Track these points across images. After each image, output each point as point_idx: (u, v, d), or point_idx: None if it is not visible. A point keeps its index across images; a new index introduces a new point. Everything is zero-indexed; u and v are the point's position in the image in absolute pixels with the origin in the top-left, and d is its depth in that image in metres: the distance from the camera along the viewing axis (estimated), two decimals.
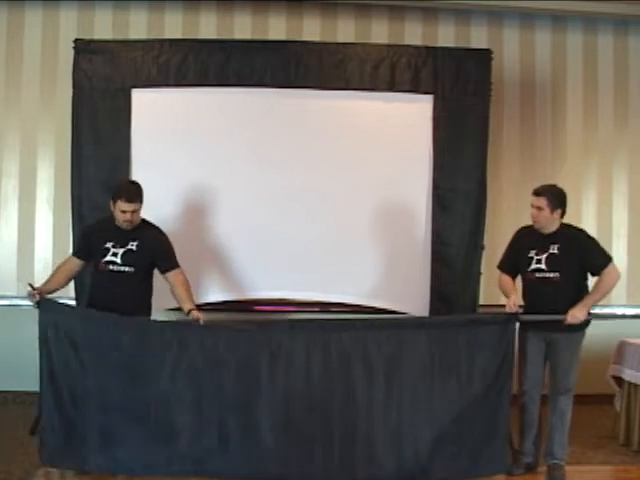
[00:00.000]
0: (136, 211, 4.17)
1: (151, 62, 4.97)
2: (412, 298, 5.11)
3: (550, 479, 4.23)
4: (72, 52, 4.98)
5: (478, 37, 5.98)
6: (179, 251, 4.38)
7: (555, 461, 4.25)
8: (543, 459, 4.33)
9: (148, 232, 4.26)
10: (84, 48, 4.98)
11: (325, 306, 5.27)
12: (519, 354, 4.34)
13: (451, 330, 4.14)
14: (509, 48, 6.02)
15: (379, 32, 5.90)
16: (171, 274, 4.23)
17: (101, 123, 4.95)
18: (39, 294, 4.02)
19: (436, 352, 4.09)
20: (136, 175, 4.89)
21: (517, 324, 4.25)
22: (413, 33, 5.92)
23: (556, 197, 4.24)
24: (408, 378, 4.07)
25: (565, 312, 4.11)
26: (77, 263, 4.31)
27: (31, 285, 4.06)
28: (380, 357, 4.07)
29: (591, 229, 6.01)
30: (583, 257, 4.20)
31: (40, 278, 4.32)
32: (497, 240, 4.53)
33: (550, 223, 4.26)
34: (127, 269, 4.17)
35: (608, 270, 4.21)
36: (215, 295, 5.07)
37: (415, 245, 5.11)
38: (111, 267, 4.17)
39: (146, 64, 4.97)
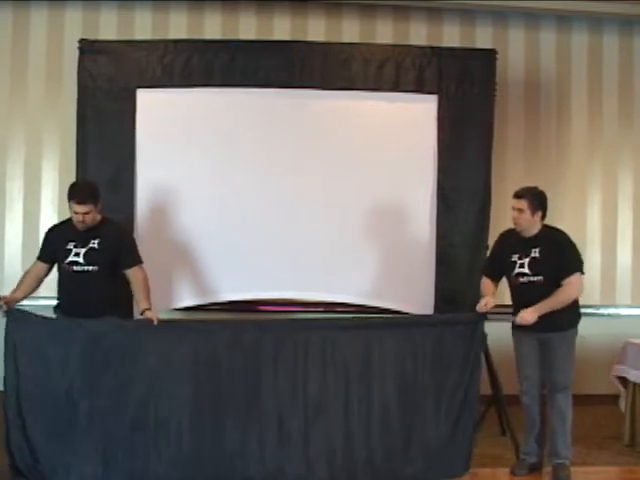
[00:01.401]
0: (89, 213, 4.07)
1: (156, 62, 4.97)
2: (416, 298, 5.10)
3: (555, 479, 4.23)
4: (77, 52, 4.98)
5: (483, 37, 5.97)
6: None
7: (560, 461, 4.24)
8: (548, 459, 4.32)
9: (109, 229, 4.19)
10: (89, 48, 4.99)
11: (329, 306, 5.27)
12: (515, 355, 4.34)
13: (418, 330, 4.14)
14: (514, 48, 6.00)
15: (384, 32, 5.89)
16: (131, 271, 4.15)
17: (106, 123, 4.95)
18: (6, 303, 3.95)
19: (404, 352, 4.08)
20: (141, 175, 4.90)
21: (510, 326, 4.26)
22: (418, 33, 5.91)
23: (536, 199, 4.23)
24: (374, 378, 4.05)
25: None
26: (42, 267, 4.21)
27: None
28: (347, 357, 4.05)
29: (596, 230, 6.07)
30: (557, 259, 4.18)
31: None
32: None
33: (531, 225, 4.25)
34: (91, 268, 4.10)
35: (571, 280, 4.15)
36: (219, 295, 5.06)
37: (419, 245, 5.10)
38: (75, 267, 4.11)
39: (151, 64, 4.97)
